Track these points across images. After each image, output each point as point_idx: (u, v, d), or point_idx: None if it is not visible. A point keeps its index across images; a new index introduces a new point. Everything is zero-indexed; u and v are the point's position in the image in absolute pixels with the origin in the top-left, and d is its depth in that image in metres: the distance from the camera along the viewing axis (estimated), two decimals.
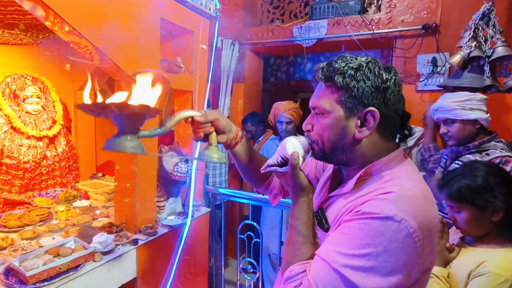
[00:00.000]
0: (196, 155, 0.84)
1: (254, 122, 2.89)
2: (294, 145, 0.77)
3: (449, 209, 1.09)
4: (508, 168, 1.35)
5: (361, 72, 0.68)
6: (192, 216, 1.81)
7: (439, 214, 1.07)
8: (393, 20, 2.53)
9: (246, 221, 2.02)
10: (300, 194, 0.76)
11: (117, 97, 0.65)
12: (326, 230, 0.72)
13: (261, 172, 0.85)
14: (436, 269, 1.03)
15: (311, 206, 0.76)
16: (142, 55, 1.54)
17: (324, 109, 0.72)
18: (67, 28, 1.25)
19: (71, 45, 1.34)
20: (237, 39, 3.06)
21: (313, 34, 2.80)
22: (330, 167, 0.87)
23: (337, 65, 0.69)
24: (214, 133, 0.83)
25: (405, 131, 0.76)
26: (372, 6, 2.78)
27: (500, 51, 1.66)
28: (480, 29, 1.75)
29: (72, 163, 2.19)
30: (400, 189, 0.64)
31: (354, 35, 2.61)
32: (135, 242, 1.48)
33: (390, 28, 2.52)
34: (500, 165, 1.36)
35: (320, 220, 0.75)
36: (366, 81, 0.68)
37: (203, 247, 2.03)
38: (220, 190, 2.15)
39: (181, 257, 1.74)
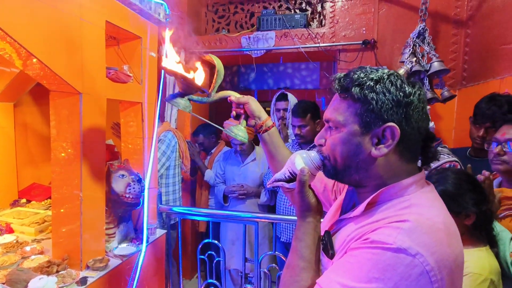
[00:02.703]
0: (226, 129, 0.96)
1: (206, 134, 2.77)
2: (304, 160, 0.71)
3: None
4: None
5: (381, 84, 0.62)
6: (147, 241, 1.62)
7: None
8: (336, 35, 2.68)
9: (207, 240, 1.89)
10: (306, 214, 0.70)
11: (184, 69, 0.88)
12: (331, 256, 0.66)
13: (267, 186, 0.78)
14: None
15: (317, 229, 0.70)
16: (85, 61, 1.34)
17: (338, 122, 0.65)
18: None
19: None
20: (183, 47, 2.92)
21: (262, 45, 2.82)
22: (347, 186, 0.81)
23: (355, 76, 0.64)
24: (243, 115, 0.95)
25: (429, 153, 0.68)
26: (315, 20, 2.92)
27: (436, 65, 1.87)
28: (418, 46, 1.95)
29: None
30: (418, 218, 0.56)
31: (302, 47, 2.70)
32: (83, 281, 1.25)
33: (334, 42, 2.67)
34: None
35: (325, 245, 0.68)
36: (387, 94, 0.61)
37: (159, 273, 1.84)
38: (175, 209, 1.98)
39: None
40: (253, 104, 0.96)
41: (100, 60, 1.44)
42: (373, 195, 0.64)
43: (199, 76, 0.92)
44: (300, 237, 0.69)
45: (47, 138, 1.42)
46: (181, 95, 0.91)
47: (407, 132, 0.62)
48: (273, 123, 0.97)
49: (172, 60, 0.90)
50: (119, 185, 1.51)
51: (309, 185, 0.71)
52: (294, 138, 2.21)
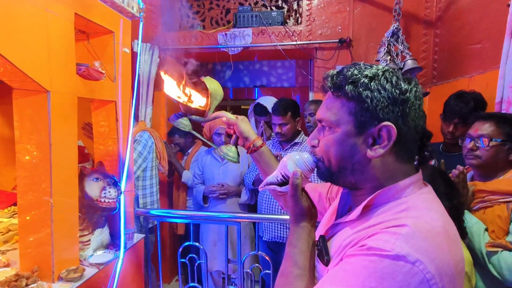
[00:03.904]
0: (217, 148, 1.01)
1: (182, 134, 2.69)
2: (296, 162, 0.68)
3: None
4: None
5: (376, 81, 0.59)
6: (125, 247, 1.55)
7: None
8: (313, 33, 2.70)
9: (188, 243, 1.83)
10: (300, 219, 0.68)
11: (183, 94, 0.95)
12: (326, 263, 0.63)
13: (259, 189, 0.76)
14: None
15: (312, 234, 0.68)
16: (52, 57, 1.24)
17: (332, 122, 0.63)
18: None
19: None
20: (156, 44, 2.82)
21: (239, 42, 2.78)
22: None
23: (349, 73, 0.61)
24: (234, 135, 0.98)
25: (426, 152, 0.66)
26: (291, 18, 2.93)
27: (410, 63, 1.93)
28: (392, 45, 2.00)
29: None
30: (417, 222, 0.54)
31: (279, 45, 2.69)
32: None
33: (310, 40, 2.69)
34: None
35: (320, 251, 0.65)
36: (382, 92, 0.58)
37: (138, 279, 1.76)
38: (153, 212, 1.91)
39: None
40: (242, 125, 0.96)
41: (70, 55, 1.35)
42: (369, 198, 0.61)
43: (198, 98, 0.98)
44: (293, 242, 0.67)
45: (8, 140, 1.31)
46: (183, 115, 0.99)
47: (403, 131, 0.59)
48: (263, 142, 0.98)
49: (173, 86, 0.95)
50: (93, 189, 1.42)
51: (303, 188, 0.69)
52: (275, 136, 2.20)
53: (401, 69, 1.94)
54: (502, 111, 1.43)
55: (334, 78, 0.63)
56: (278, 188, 0.72)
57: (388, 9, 2.39)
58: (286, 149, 2.11)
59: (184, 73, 0.94)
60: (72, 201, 1.36)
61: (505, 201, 1.20)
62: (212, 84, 0.99)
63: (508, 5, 1.41)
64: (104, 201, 1.43)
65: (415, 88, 0.61)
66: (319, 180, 0.78)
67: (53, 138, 1.26)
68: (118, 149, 1.69)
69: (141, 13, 1.82)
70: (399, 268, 0.49)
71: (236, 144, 0.99)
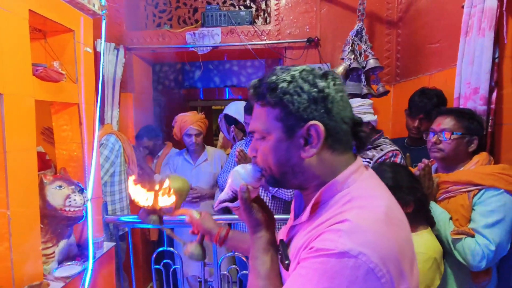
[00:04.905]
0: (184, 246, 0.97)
1: (151, 137, 2.61)
2: (241, 176, 0.69)
3: None
4: (398, 160, 1.62)
5: (294, 83, 0.61)
6: (94, 258, 1.46)
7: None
8: (282, 32, 2.72)
9: (162, 248, 1.77)
10: (257, 230, 0.69)
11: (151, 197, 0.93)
12: (287, 267, 0.64)
13: (214, 210, 0.77)
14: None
15: (272, 242, 0.69)
16: (4, 57, 1.14)
17: (263, 131, 0.65)
18: None
19: None
20: (121, 43, 2.70)
21: (208, 41, 2.74)
22: None
23: (268, 80, 0.62)
24: (199, 234, 0.97)
25: (362, 138, 0.68)
26: (260, 18, 2.93)
27: (372, 63, 2.00)
28: (356, 44, 2.06)
29: None
30: (357, 214, 0.56)
31: (249, 44, 2.69)
32: None
33: (279, 39, 2.71)
34: (392, 158, 1.62)
35: (281, 256, 0.67)
36: (301, 93, 0.60)
37: None
38: (123, 218, 1.83)
39: None
40: (205, 223, 0.96)
41: (24, 55, 1.25)
42: (315, 196, 0.63)
43: (165, 199, 0.97)
44: (255, 254, 0.68)
45: None
46: (151, 212, 0.99)
47: (331, 126, 0.61)
48: (227, 230, 0.96)
49: (140, 192, 0.95)
50: (56, 198, 1.33)
51: (256, 198, 0.70)
52: (247, 136, 2.19)
53: (364, 68, 2.00)
54: (460, 106, 1.52)
55: (257, 88, 0.65)
56: (230, 205, 0.72)
57: (353, 10, 2.46)
58: None
59: (151, 183, 0.93)
60: (32, 212, 1.26)
61: (466, 191, 1.28)
62: (177, 183, 1.01)
63: (463, 7, 1.50)
64: (69, 210, 1.35)
65: (333, 82, 0.63)
66: None
67: (8, 144, 1.16)
68: (83, 154, 1.60)
69: (103, 11, 1.74)
70: (345, 264, 0.51)
71: (201, 242, 0.96)
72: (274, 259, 0.67)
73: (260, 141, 0.66)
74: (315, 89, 0.60)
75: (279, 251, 0.67)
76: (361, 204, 0.58)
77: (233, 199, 0.72)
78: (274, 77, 0.62)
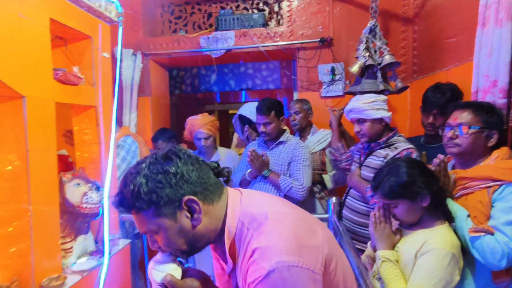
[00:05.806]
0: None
1: (165, 139, 2.65)
2: (158, 270, 0.74)
3: (382, 205, 1.20)
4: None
5: (151, 181, 0.67)
6: (109, 254, 1.51)
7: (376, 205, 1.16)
8: (294, 33, 2.73)
9: None
10: None
11: None
12: None
13: None
14: (387, 253, 1.11)
15: None
16: (28, 62, 1.22)
17: (153, 230, 0.71)
18: None
19: None
20: (139, 49, 2.80)
21: (221, 45, 2.78)
22: None
23: (129, 191, 0.68)
24: None
25: (220, 173, 0.79)
26: (273, 20, 2.96)
27: (388, 58, 1.96)
28: (370, 41, 2.03)
29: None
30: (258, 240, 0.67)
31: (261, 46, 2.71)
32: None
33: (292, 40, 2.71)
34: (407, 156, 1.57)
35: None
36: (163, 185, 0.67)
37: (125, 287, 1.72)
38: None
39: None
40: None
41: (46, 60, 1.33)
42: (226, 247, 0.73)
43: None
44: None
45: None
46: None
47: (199, 190, 0.71)
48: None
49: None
50: (74, 195, 1.39)
51: (186, 272, 0.77)
52: (260, 136, 2.20)
53: (380, 64, 1.96)
54: (479, 100, 1.46)
55: (123, 203, 0.70)
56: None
57: (366, 8, 2.42)
58: (271, 148, 2.11)
59: None
60: (53, 209, 1.33)
61: (485, 187, 1.22)
62: None
63: None
64: (86, 206, 1.40)
65: (177, 159, 0.71)
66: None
67: (31, 144, 1.23)
68: (100, 154, 1.66)
69: (120, 18, 1.81)
70: (274, 278, 0.63)
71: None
72: None
73: (156, 235, 0.73)
74: (170, 176, 0.68)
75: None
76: (254, 226, 0.70)
77: None
78: (131, 186, 0.68)
